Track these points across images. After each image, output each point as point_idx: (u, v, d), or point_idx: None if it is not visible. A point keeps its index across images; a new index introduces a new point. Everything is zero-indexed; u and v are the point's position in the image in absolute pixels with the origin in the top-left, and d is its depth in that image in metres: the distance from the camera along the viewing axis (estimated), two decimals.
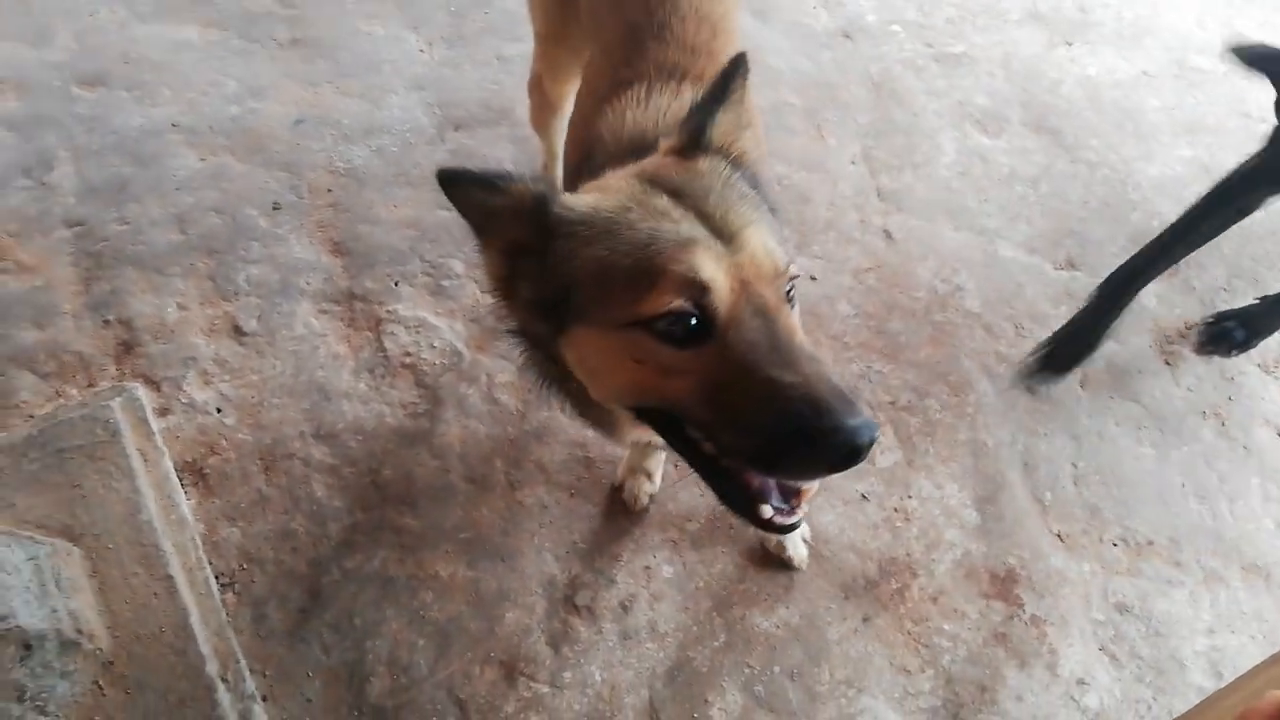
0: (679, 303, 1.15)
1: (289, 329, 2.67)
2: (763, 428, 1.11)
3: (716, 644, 2.20)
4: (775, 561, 2.31)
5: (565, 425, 2.53)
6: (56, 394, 2.56)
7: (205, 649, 2.15)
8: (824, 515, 2.38)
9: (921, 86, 3.14)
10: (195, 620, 2.23)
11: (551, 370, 1.49)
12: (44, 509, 2.32)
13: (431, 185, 2.95)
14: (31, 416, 2.52)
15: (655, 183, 1.28)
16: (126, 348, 2.63)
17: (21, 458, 2.38)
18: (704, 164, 1.30)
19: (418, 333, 2.67)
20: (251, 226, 2.83)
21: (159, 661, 2.15)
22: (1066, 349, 2.56)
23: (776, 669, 2.17)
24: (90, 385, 2.58)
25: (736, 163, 1.34)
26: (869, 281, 2.77)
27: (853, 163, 2.99)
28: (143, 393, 2.55)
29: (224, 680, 2.13)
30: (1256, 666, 1.44)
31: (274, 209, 2.87)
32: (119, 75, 3.15)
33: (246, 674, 2.16)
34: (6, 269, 2.74)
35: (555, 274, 1.27)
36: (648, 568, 2.30)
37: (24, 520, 2.29)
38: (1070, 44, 3.25)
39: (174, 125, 3.03)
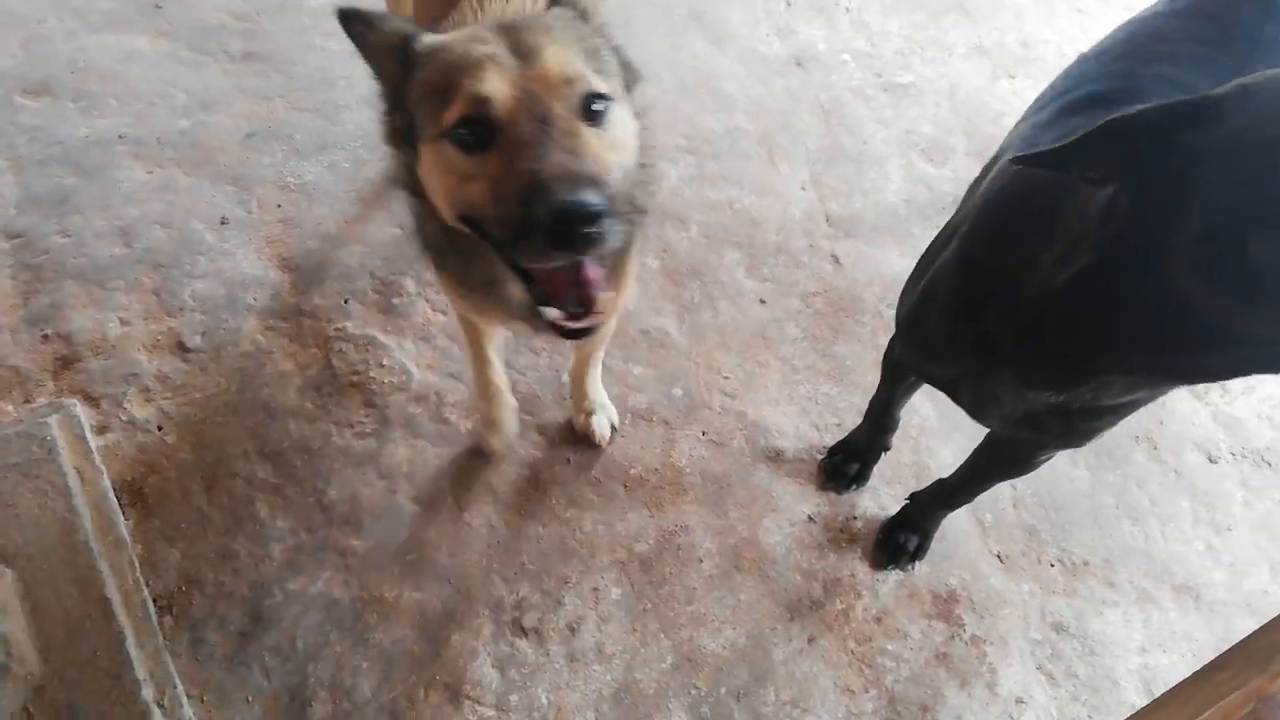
0: (464, 112, 1.30)
1: (235, 345, 2.63)
2: (506, 214, 1.27)
3: (664, 665, 2.21)
4: (724, 583, 2.32)
5: (515, 446, 2.53)
6: None
7: (141, 673, 2.10)
8: (772, 536, 2.41)
9: (870, 115, 3.21)
10: (131, 644, 2.18)
11: (428, 220, 1.64)
12: None
13: (384, 202, 2.94)
14: None
15: (500, 24, 1.44)
16: (65, 363, 2.57)
17: None
18: (553, 11, 1.48)
19: (366, 350, 2.65)
20: (198, 241, 2.80)
21: (92, 686, 2.09)
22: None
23: (723, 690, 2.18)
24: (27, 401, 2.52)
25: (583, 15, 1.48)
26: (817, 305, 2.81)
27: (803, 188, 3.04)
28: (81, 410, 2.50)
29: (160, 705, 2.09)
30: (1180, 684, 1.49)
31: (222, 223, 2.84)
32: (65, 85, 3.09)
33: (184, 699, 2.12)
34: None
35: (407, 103, 1.45)
36: (596, 589, 2.30)
37: None
38: (1013, 77, 3.35)
39: (120, 137, 2.98)
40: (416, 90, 1.42)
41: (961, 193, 3.00)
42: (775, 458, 2.55)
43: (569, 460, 2.51)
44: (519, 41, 1.36)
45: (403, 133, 1.49)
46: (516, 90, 1.30)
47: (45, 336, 2.61)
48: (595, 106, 1.35)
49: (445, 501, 2.44)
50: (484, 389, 2.38)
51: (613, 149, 1.37)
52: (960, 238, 1.64)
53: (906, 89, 3.28)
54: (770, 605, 2.31)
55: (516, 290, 1.53)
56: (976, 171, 3.08)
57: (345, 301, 2.73)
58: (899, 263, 2.91)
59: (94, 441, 2.46)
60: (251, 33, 3.30)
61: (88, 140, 2.97)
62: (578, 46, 1.38)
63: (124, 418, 2.51)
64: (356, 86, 3.19)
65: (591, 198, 1.19)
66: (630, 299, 2.09)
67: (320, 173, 3.00)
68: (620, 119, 1.42)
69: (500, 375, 2.39)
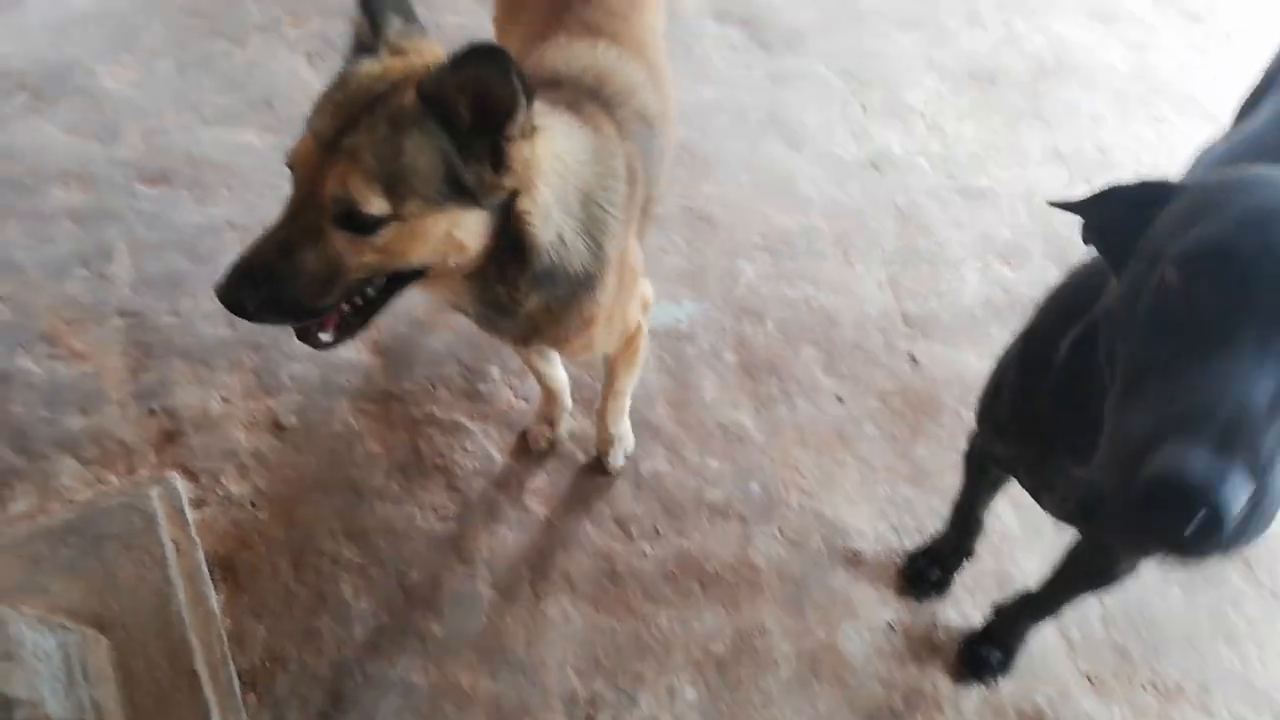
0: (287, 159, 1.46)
1: (327, 426, 2.73)
2: None
3: None
4: (801, 689, 2.30)
5: (593, 536, 2.56)
6: (97, 480, 2.62)
7: None
8: (850, 642, 2.38)
9: (946, 218, 3.26)
10: (216, 718, 2.23)
11: None
12: (77, 596, 2.35)
13: None
14: (71, 502, 2.57)
15: (387, 93, 1.45)
16: (169, 437, 2.70)
17: (59, 543, 2.42)
18: (415, 105, 1.44)
19: (451, 435, 2.73)
20: None
21: None
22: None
23: None
24: (130, 473, 2.64)
25: (450, 113, 1.46)
26: (894, 405, 2.83)
27: (879, 288, 3.08)
28: (181, 483, 2.61)
29: None
30: None
31: None
32: (181, 174, 3.30)
33: None
34: (59, 355, 2.83)
35: None
36: (670, 689, 2.30)
37: (57, 606, 2.32)
38: (1091, 182, 3.37)
39: (230, 224, 3.16)
40: None
41: (1039, 295, 3.02)
42: (854, 560, 2.54)
43: (645, 553, 2.53)
44: (352, 129, 1.40)
45: None
46: (308, 175, 1.41)
47: (151, 411, 2.74)
48: (357, 220, 1.41)
49: (523, 590, 2.47)
50: (539, 384, 2.60)
51: (377, 253, 1.45)
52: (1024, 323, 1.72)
53: (982, 193, 3.33)
54: (848, 716, 2.27)
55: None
56: (1055, 276, 3.11)
57: (433, 387, 2.82)
58: (977, 365, 2.91)
59: (191, 515, 2.56)
60: None
61: (200, 227, 3.15)
62: (377, 165, 1.40)
63: (220, 492, 2.61)
64: None
65: (236, 291, 1.39)
66: (616, 338, 2.16)
67: None
68: (405, 233, 1.45)
69: (554, 379, 2.57)
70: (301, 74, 3.65)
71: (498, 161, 1.52)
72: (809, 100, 3.61)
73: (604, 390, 2.50)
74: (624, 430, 2.65)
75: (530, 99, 1.49)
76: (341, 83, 1.48)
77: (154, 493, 2.55)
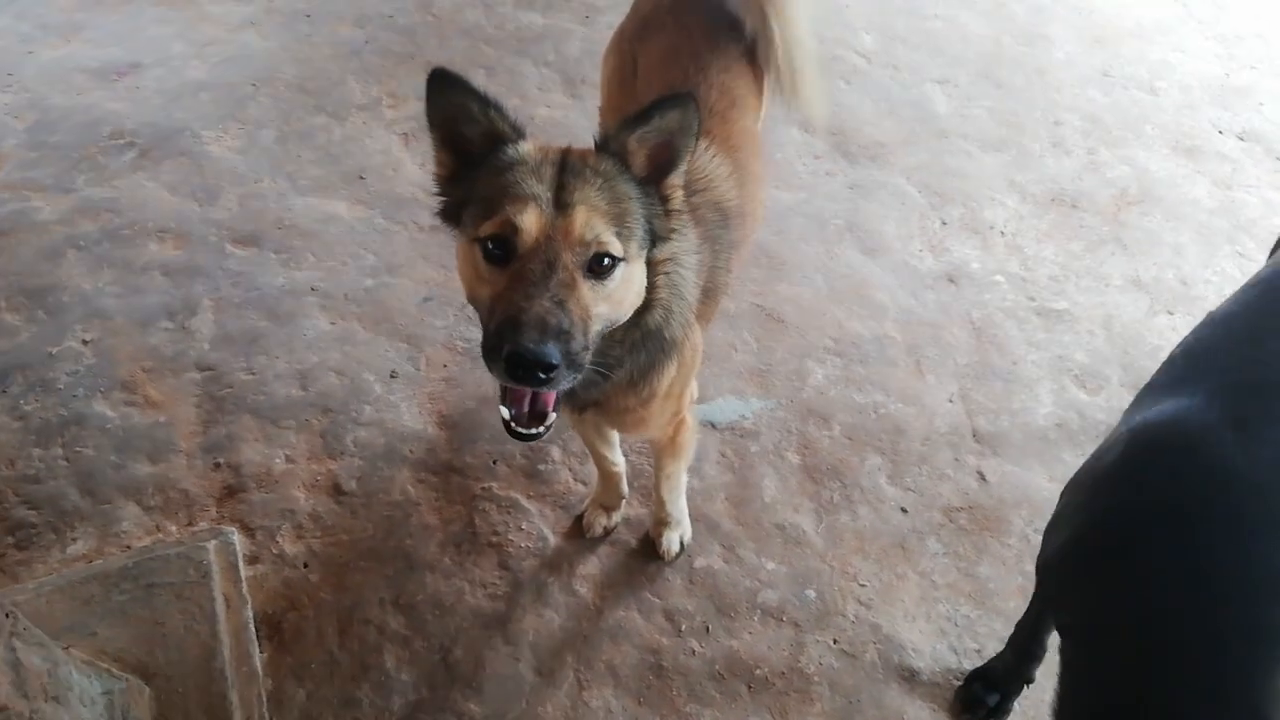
0: (497, 231, 1.53)
1: (386, 494, 2.74)
2: (488, 330, 1.52)
3: None
4: None
5: (641, 628, 2.50)
6: (156, 528, 2.65)
7: None
8: None
9: (1022, 337, 3.22)
10: None
11: None
12: (124, 642, 2.35)
13: None
14: (129, 548, 2.60)
15: (565, 157, 1.63)
16: (230, 492, 2.73)
17: (113, 588, 2.44)
18: (602, 161, 1.64)
19: (508, 513, 2.72)
20: (367, 391, 2.97)
21: None
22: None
23: None
24: (190, 524, 2.66)
25: (628, 167, 1.67)
26: (960, 521, 2.75)
27: (950, 401, 3.04)
28: (238, 538, 2.62)
29: None
30: None
31: (391, 377, 3.02)
32: (270, 238, 3.42)
33: None
34: (135, 402, 2.90)
35: (470, 185, 1.65)
36: None
37: (103, 651, 2.32)
38: (1172, 313, 3.32)
39: (312, 289, 3.25)
40: (478, 185, 1.64)
41: (1115, 423, 2.96)
42: (909, 678, 2.44)
43: (694, 650, 2.47)
44: (564, 188, 1.57)
45: (453, 211, 1.71)
46: (541, 234, 1.52)
47: (217, 465, 2.78)
48: (604, 264, 1.56)
49: (567, 677, 2.41)
50: (598, 468, 2.61)
51: (606, 302, 1.59)
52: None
53: (1060, 315, 3.29)
54: None
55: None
56: (1130, 401, 3.05)
57: (494, 463, 2.82)
58: (1048, 487, 2.83)
59: (244, 571, 2.57)
60: None
61: (283, 289, 3.25)
62: (606, 209, 1.58)
63: (275, 551, 2.61)
64: None
65: (550, 351, 1.42)
66: (667, 419, 2.17)
67: None
68: (625, 278, 1.63)
69: (613, 463, 2.56)
70: (395, 153, 3.79)
71: (665, 210, 1.72)
72: (888, 211, 3.64)
73: (655, 474, 2.50)
74: (681, 513, 2.62)
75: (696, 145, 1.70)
76: (520, 161, 1.63)
77: (210, 545, 2.56)
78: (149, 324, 3.12)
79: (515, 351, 1.41)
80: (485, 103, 1.65)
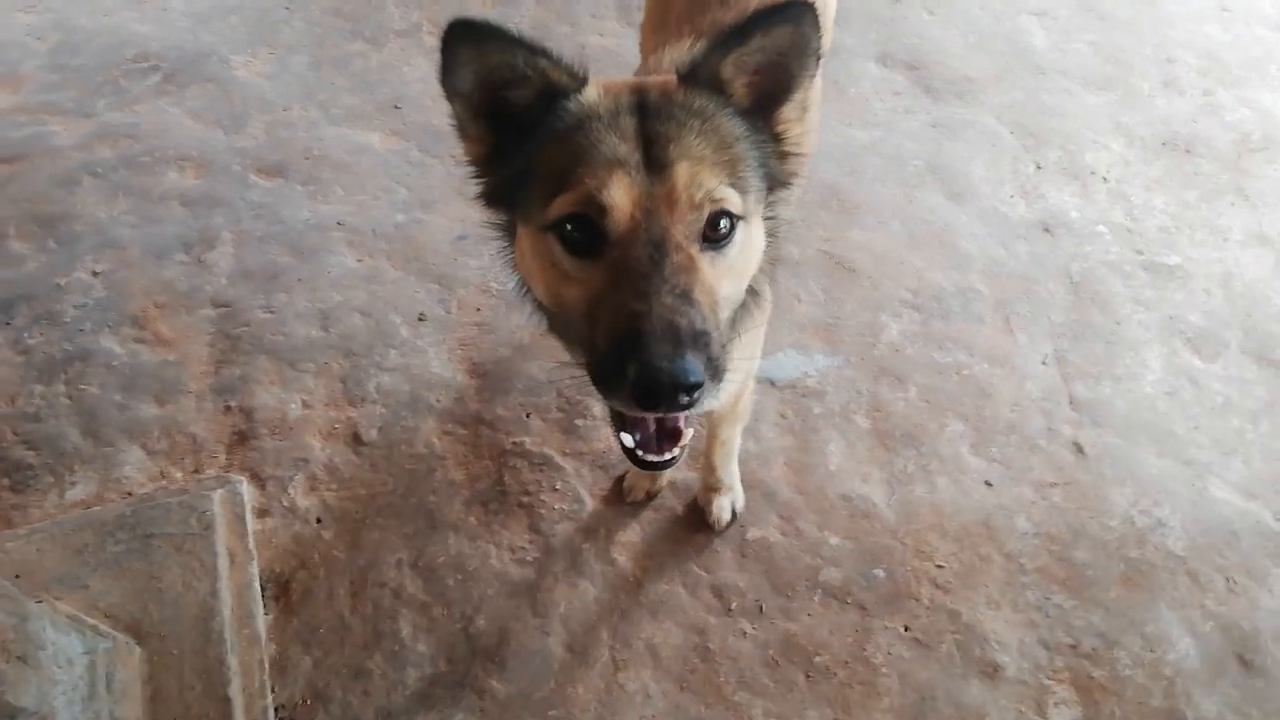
0: (575, 210, 1.21)
1: (409, 445, 2.49)
2: (597, 348, 1.19)
3: None
4: None
5: (685, 604, 2.23)
6: (161, 474, 2.44)
7: None
8: None
9: (1127, 294, 2.84)
10: None
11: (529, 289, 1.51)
12: (117, 597, 2.14)
13: None
14: (130, 494, 2.39)
15: (639, 96, 1.30)
16: (241, 438, 2.50)
17: (108, 537, 2.23)
18: (693, 96, 1.30)
19: (541, 471, 2.45)
20: (393, 334, 2.72)
21: None
22: None
23: None
24: (196, 471, 2.45)
25: (727, 99, 1.33)
26: (1053, 499, 2.42)
27: (1043, 363, 2.68)
28: (246, 488, 2.40)
29: None
30: None
31: (419, 319, 2.76)
32: (297, 169, 3.18)
33: None
34: (144, 339, 2.69)
35: (523, 158, 1.31)
36: None
37: (94, 606, 2.12)
38: None
39: (339, 224, 3.00)
40: (537, 157, 1.31)
41: (1234, 394, 2.59)
42: (992, 673, 2.13)
43: (745, 632, 2.18)
44: (655, 141, 1.23)
45: (500, 193, 1.40)
46: (639, 209, 1.21)
47: (228, 408, 2.55)
48: (720, 228, 1.25)
49: (601, 655, 2.15)
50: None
51: (729, 275, 1.29)
52: None
53: (1172, 271, 2.90)
54: None
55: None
56: (1253, 371, 2.68)
57: (527, 415, 2.55)
58: (1156, 464, 2.48)
59: (251, 524, 2.34)
60: None
61: (308, 224, 3.01)
62: (715, 158, 1.26)
63: (286, 503, 2.38)
64: None
65: (690, 367, 1.10)
66: (746, 377, 1.87)
67: None
68: (745, 240, 1.31)
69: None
70: (433, 82, 3.48)
71: (780, 150, 1.38)
72: (975, 152, 3.27)
73: (708, 438, 2.21)
74: (733, 479, 2.33)
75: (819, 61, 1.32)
76: (588, 115, 1.29)
77: (216, 495, 2.34)
78: (164, 256, 2.89)
79: (646, 373, 1.10)
80: (531, 51, 1.28)
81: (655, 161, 1.22)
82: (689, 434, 1.34)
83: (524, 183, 1.32)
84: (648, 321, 1.12)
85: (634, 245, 1.19)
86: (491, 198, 1.42)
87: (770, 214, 1.45)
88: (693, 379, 1.09)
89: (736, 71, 1.31)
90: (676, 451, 1.34)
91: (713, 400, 1.18)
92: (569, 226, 1.24)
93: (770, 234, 1.44)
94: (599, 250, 1.23)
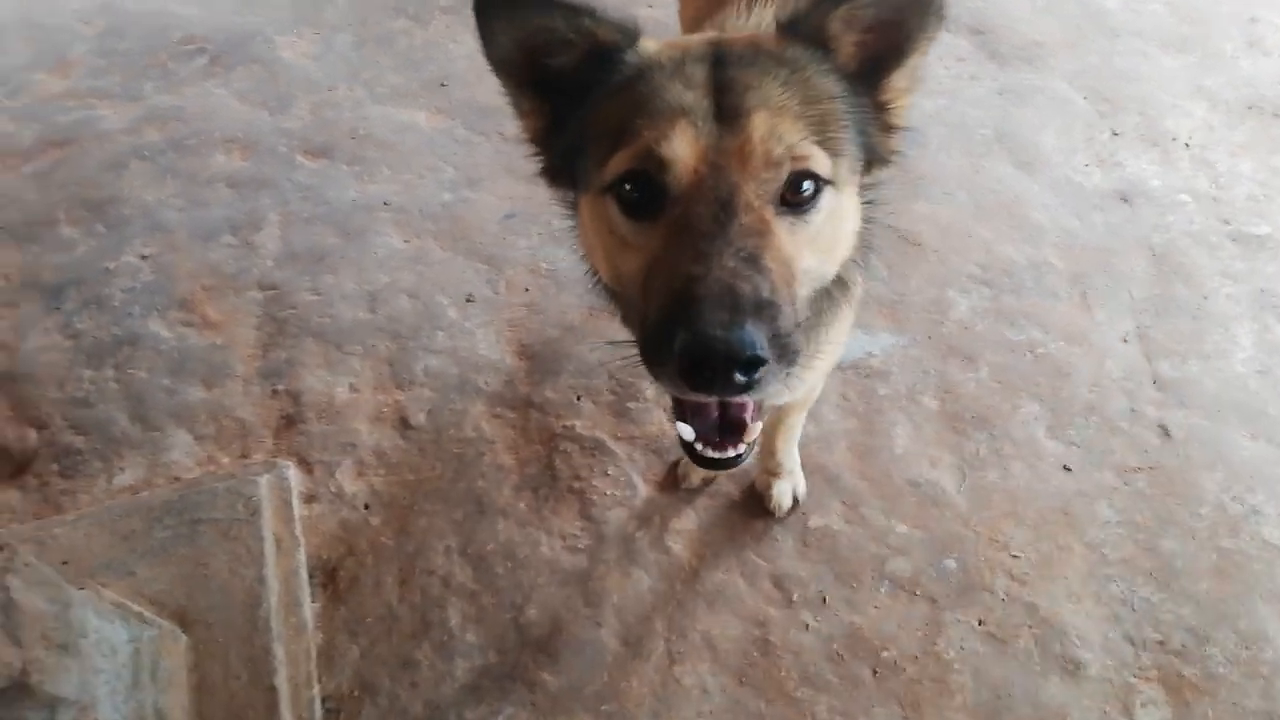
0: (632, 166, 1.10)
1: (457, 429, 2.42)
2: (646, 314, 1.07)
3: None
4: None
5: (744, 595, 2.13)
6: (209, 459, 2.40)
7: None
8: None
9: (1215, 266, 2.67)
10: None
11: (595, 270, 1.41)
12: (163, 583, 2.10)
13: None
14: (177, 479, 2.36)
15: (716, 46, 1.19)
16: (289, 422, 2.45)
17: (156, 523, 2.19)
18: (787, 46, 1.17)
19: (592, 455, 2.37)
20: (441, 315, 2.65)
21: None
22: None
23: None
24: (243, 456, 2.40)
25: (833, 61, 1.19)
26: (1138, 484, 2.27)
27: (1124, 341, 2.52)
28: (293, 473, 2.35)
29: None
30: None
31: (467, 301, 2.68)
32: (343, 149, 3.13)
33: None
34: (192, 322, 2.65)
35: (580, 127, 1.22)
36: None
37: (140, 593, 2.08)
38: None
39: (385, 204, 2.94)
40: (593, 119, 1.21)
41: None
42: (1074, 670, 2.00)
43: (807, 625, 2.08)
44: (729, 89, 1.11)
45: (560, 167, 1.30)
46: (703, 162, 1.08)
47: (275, 392, 2.51)
48: (803, 191, 1.11)
49: (656, 647, 2.06)
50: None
51: (811, 247, 1.13)
52: None
53: (1263, 241, 2.72)
54: None
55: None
56: None
57: (578, 398, 2.47)
58: (1249, 447, 2.32)
59: (299, 510, 2.29)
60: None
61: (354, 204, 2.95)
62: (800, 111, 1.11)
63: (333, 489, 2.33)
64: None
65: (749, 338, 0.95)
66: (832, 363, 1.72)
67: (574, 262, 2.77)
68: (834, 210, 1.15)
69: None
70: (479, 58, 3.40)
71: (885, 121, 1.24)
72: (1046, 119, 3.10)
73: (770, 419, 2.08)
74: (794, 463, 2.22)
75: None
76: (648, 65, 1.19)
77: (263, 480, 2.29)
78: (211, 239, 2.86)
79: (696, 343, 0.96)
80: (573, 11, 1.17)
81: (728, 110, 1.09)
82: (756, 428, 1.20)
83: (581, 149, 1.21)
84: (703, 285, 0.99)
85: (697, 203, 1.06)
86: (553, 174, 1.33)
87: (868, 197, 1.31)
88: (751, 352, 0.95)
89: (846, 27, 1.17)
90: (742, 449, 1.20)
91: (782, 389, 1.07)
92: (627, 186, 1.13)
93: (867, 219, 1.30)
94: (659, 211, 1.11)
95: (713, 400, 1.17)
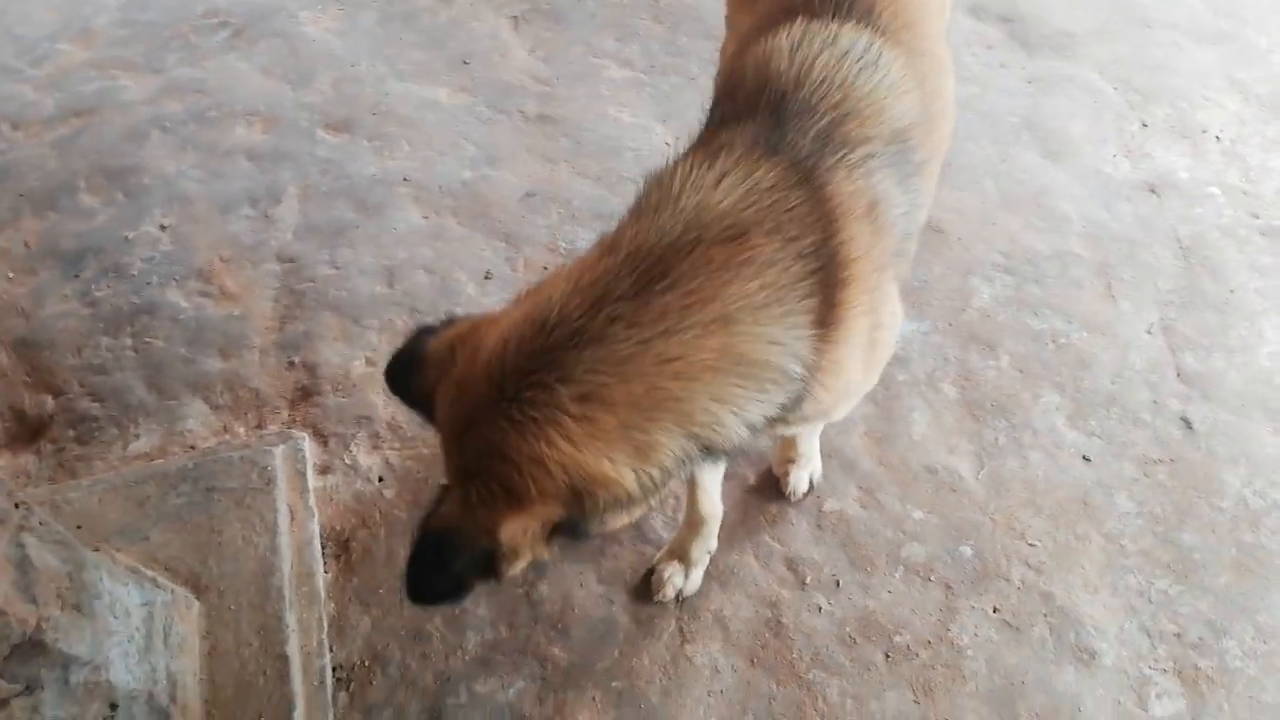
0: None
1: None
2: None
3: None
4: None
5: (757, 576, 2.11)
6: (224, 429, 2.40)
7: None
8: None
9: (1242, 260, 2.63)
10: (299, 715, 1.92)
11: None
12: (177, 550, 2.10)
13: None
14: (193, 448, 2.36)
15: None
16: (304, 394, 2.45)
17: (170, 490, 2.19)
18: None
19: None
20: (458, 291, 2.64)
21: None
22: None
23: None
24: (259, 426, 2.40)
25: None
26: (1158, 476, 2.24)
27: (1148, 332, 2.49)
28: (308, 444, 2.35)
29: None
30: None
31: (485, 278, 2.67)
32: (364, 125, 3.12)
33: None
34: (209, 293, 2.65)
35: None
36: None
37: (153, 558, 2.08)
38: None
39: (405, 180, 2.93)
40: None
41: None
42: (1088, 660, 1.98)
43: (820, 608, 2.06)
44: None
45: None
46: None
47: (291, 364, 2.50)
48: None
49: (667, 626, 2.05)
50: (689, 506, 2.05)
51: None
52: None
53: None
54: None
55: None
56: None
57: None
58: (1272, 441, 2.29)
59: (313, 481, 2.29)
60: (548, 96, 3.21)
61: (374, 179, 2.94)
62: None
63: (348, 461, 2.33)
64: (643, 160, 3.00)
65: None
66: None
67: (592, 240, 2.78)
68: None
69: (707, 503, 2.03)
70: (503, 36, 3.42)
71: None
72: (1075, 109, 3.06)
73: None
74: (812, 449, 2.20)
75: None
76: None
77: (278, 450, 2.29)
78: (230, 210, 2.86)
79: None
80: None
81: None
82: None
83: None
84: None
85: None
86: None
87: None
88: None
89: None
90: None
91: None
92: None
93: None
94: None
95: None
